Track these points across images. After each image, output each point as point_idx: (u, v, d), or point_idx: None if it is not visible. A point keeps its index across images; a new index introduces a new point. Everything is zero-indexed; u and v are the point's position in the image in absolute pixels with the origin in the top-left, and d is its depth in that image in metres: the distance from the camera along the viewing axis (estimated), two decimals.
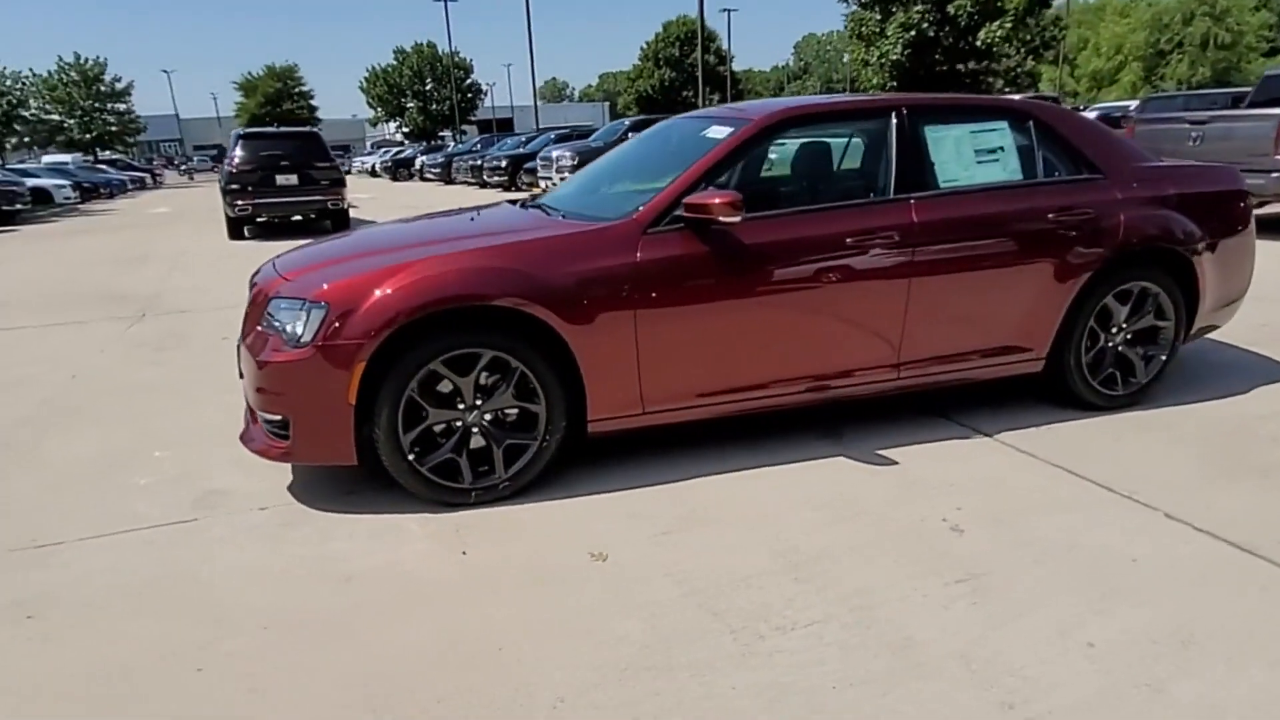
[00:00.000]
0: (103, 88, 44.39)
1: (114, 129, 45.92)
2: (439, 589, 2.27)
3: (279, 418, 2.62)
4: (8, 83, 40.24)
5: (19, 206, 17.82)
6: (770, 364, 2.99)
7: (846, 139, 3.43)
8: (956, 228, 3.08)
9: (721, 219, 2.69)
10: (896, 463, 3.02)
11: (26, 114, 41.54)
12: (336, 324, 2.50)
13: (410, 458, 2.64)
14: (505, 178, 20.24)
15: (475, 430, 2.71)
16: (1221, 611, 2.06)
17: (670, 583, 2.26)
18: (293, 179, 11.81)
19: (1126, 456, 3.02)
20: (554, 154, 18.08)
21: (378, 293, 2.52)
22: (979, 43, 15.25)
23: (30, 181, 22.03)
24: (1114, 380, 3.47)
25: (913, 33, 15.80)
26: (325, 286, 2.59)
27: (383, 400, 2.55)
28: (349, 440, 2.57)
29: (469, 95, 67.24)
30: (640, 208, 2.81)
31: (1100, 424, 3.35)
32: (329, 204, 11.96)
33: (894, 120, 3.13)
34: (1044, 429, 3.30)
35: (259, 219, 12.01)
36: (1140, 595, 2.14)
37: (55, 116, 43.14)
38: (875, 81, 17.93)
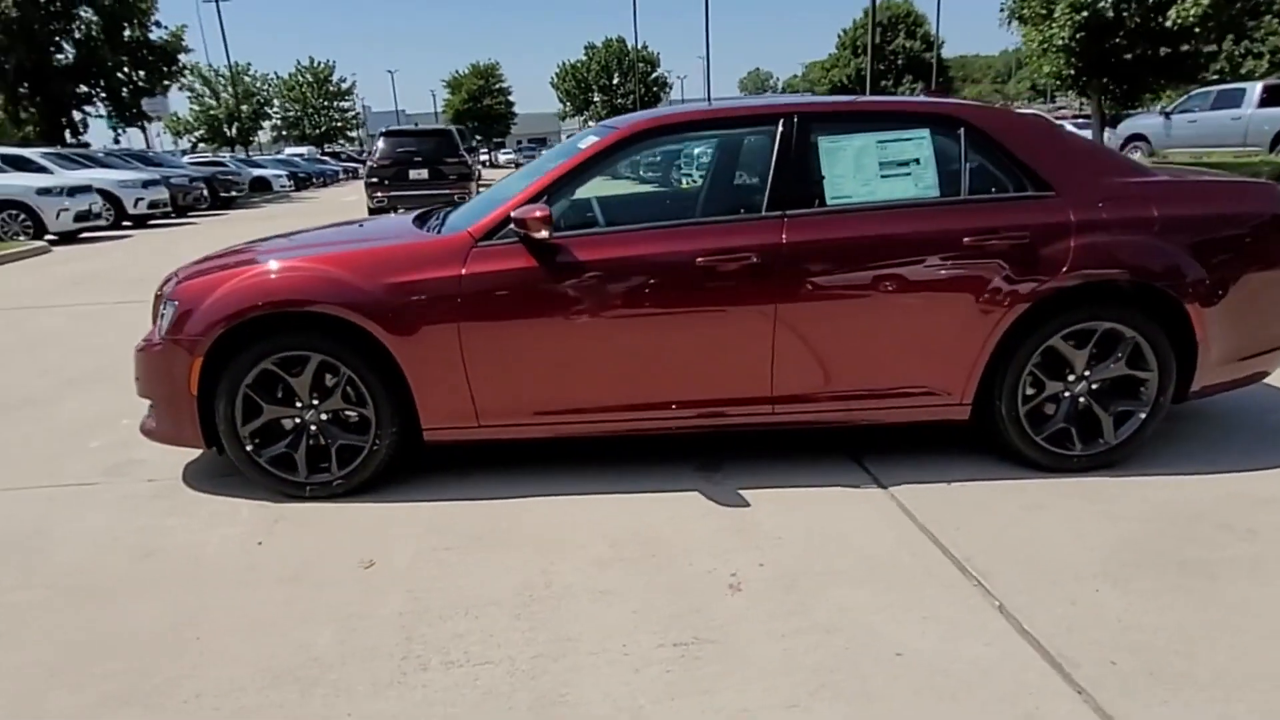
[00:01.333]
0: (330, 88, 50.70)
1: (338, 124, 52.36)
2: (208, 573, 2.47)
3: (148, 400, 2.96)
4: (258, 84, 47.32)
5: (234, 193, 20.99)
6: (622, 388, 2.88)
7: (735, 150, 3.18)
8: (839, 251, 2.78)
9: (533, 234, 2.64)
10: (746, 505, 2.80)
11: (271, 112, 48.68)
12: (179, 321, 2.79)
13: (249, 448, 2.87)
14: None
15: (313, 428, 2.90)
16: None
17: (404, 599, 2.29)
18: (424, 174, 12.89)
19: (1025, 532, 2.57)
20: (695, 150, 18.12)
21: (214, 295, 2.77)
22: (1169, 24, 12.85)
23: (256, 171, 25.84)
24: (1067, 438, 2.95)
25: (1084, 13, 13.64)
26: (177, 286, 2.89)
27: (220, 393, 2.80)
28: (195, 426, 2.85)
29: (653, 88, 68.93)
30: (479, 220, 2.83)
31: (1033, 488, 2.86)
32: (455, 196, 12.89)
33: (779, 130, 2.87)
34: (955, 486, 2.89)
35: (396, 210, 13.25)
36: (859, 694, 1.84)
37: (293, 114, 49.95)
38: (1048, 70, 15.87)
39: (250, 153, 41.13)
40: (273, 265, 2.85)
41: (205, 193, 19.24)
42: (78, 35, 21.38)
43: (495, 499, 2.89)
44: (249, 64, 46.62)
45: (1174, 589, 2.23)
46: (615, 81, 70.13)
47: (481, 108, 72.74)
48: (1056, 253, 2.77)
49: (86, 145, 22.66)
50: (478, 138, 69.82)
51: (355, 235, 3.21)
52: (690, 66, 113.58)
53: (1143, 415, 2.94)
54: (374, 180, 12.82)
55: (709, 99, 44.95)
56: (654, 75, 70.85)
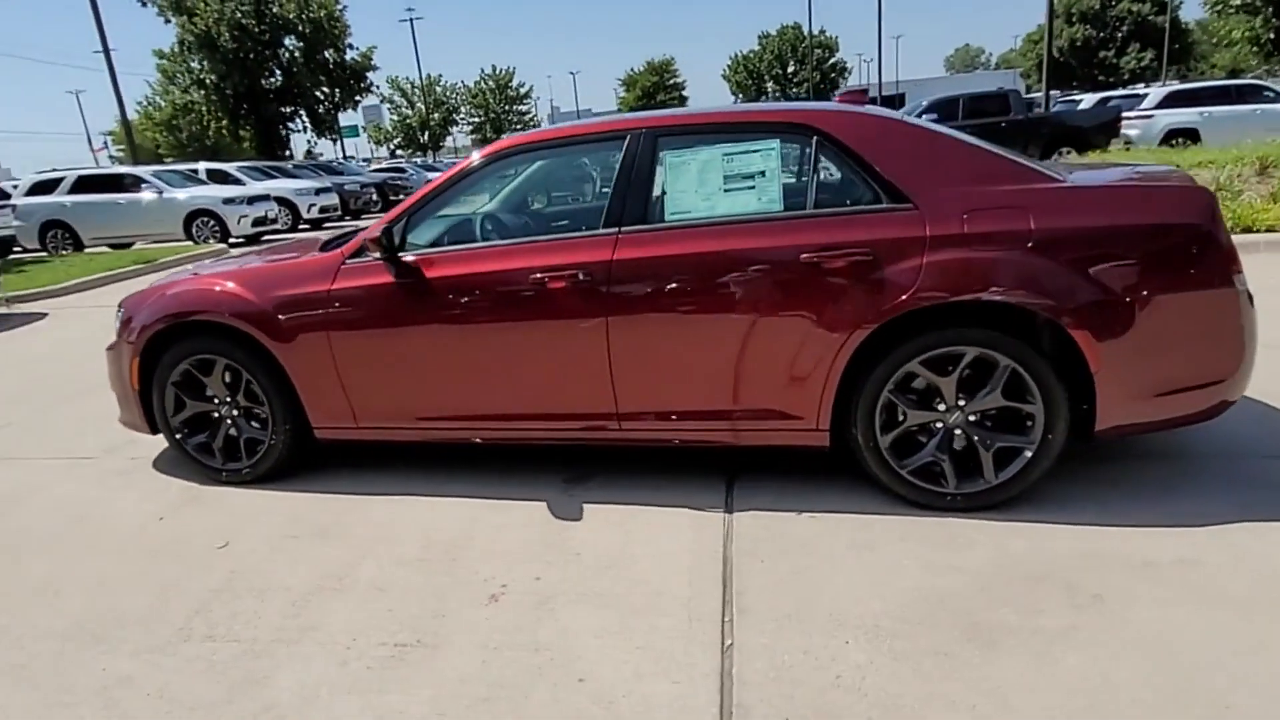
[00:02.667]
0: (510, 92, 54.28)
1: (518, 127, 55.93)
2: (106, 539, 2.99)
3: (115, 393, 3.58)
4: (448, 93, 51.78)
5: (401, 196, 23.26)
6: (478, 398, 3.06)
7: (593, 167, 3.18)
8: (670, 268, 2.75)
9: (371, 254, 2.89)
10: (577, 520, 2.88)
11: (458, 118, 53.11)
12: (123, 326, 3.35)
13: (177, 436, 3.39)
14: None
15: (228, 422, 3.35)
16: None
17: (222, 578, 2.64)
18: None
19: (827, 573, 2.43)
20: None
21: (144, 306, 3.30)
22: None
23: (430, 175, 28.39)
24: (937, 474, 2.71)
25: None
26: (126, 299, 3.46)
27: (154, 388, 3.34)
28: (140, 415, 3.42)
29: (830, 75, 66.78)
30: (352, 240, 3.13)
31: (883, 526, 2.67)
32: None
33: (624, 146, 2.88)
34: (804, 517, 2.77)
35: None
36: (509, 712, 1.90)
37: (476, 119, 54.12)
38: (1239, 35, 13.35)
39: (438, 158, 45.23)
40: (185, 283, 3.35)
41: (375, 196, 21.54)
42: (283, 61, 24.87)
43: (364, 494, 3.19)
44: (440, 75, 51.21)
45: (937, 653, 2.04)
46: (790, 70, 68.82)
47: (655, 104, 74.40)
48: (905, 271, 2.56)
49: (289, 157, 26.24)
50: None
51: (271, 255, 3.62)
52: (884, 46, 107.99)
53: (1029, 454, 2.64)
54: None
55: (879, 78, 42.82)
56: (832, 61, 68.71)
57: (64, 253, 14.22)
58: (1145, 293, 2.48)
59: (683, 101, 78.58)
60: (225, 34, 21.85)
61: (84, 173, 15.15)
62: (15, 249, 14.89)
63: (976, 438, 2.67)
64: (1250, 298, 2.59)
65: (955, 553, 2.50)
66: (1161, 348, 2.52)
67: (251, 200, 15.04)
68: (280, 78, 24.77)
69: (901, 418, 2.71)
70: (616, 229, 2.83)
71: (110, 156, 48.10)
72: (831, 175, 2.74)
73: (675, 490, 3.02)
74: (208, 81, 23.24)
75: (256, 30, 22.63)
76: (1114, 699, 1.84)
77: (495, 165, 3.08)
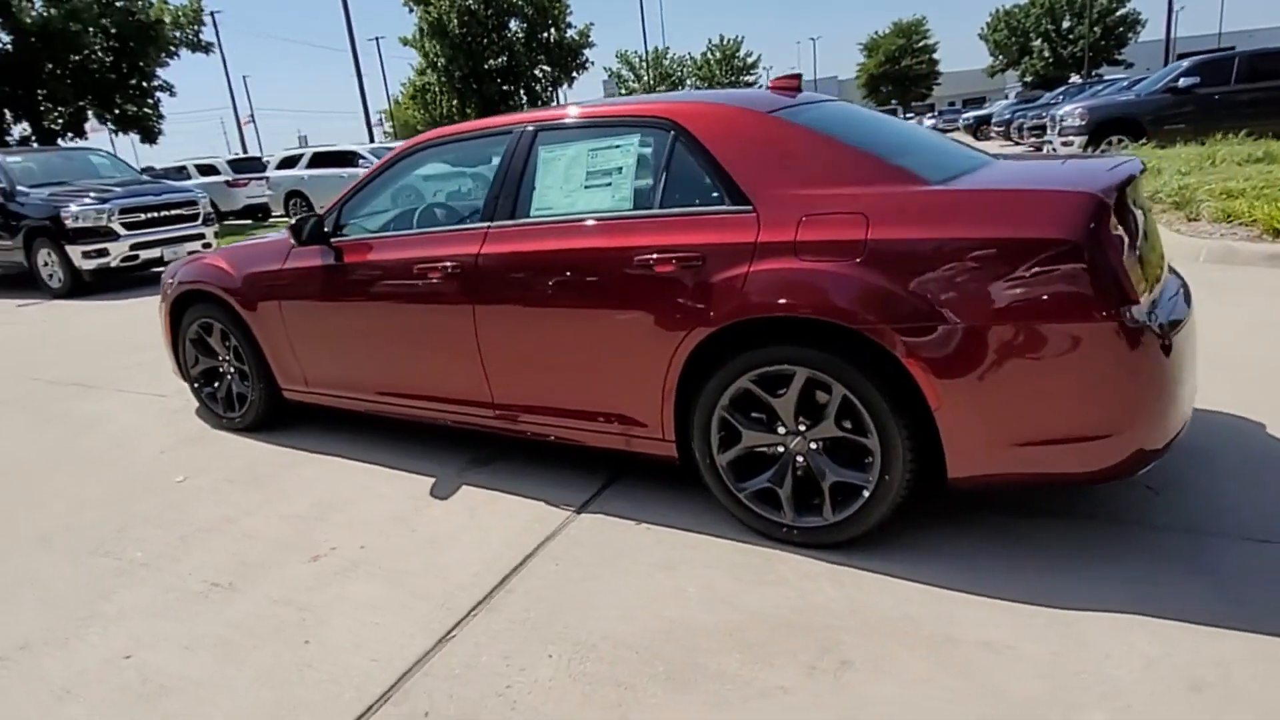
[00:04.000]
0: (737, 62, 54.00)
1: None
2: (121, 464, 3.71)
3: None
4: (674, 66, 52.80)
5: None
6: (388, 376, 3.35)
7: (489, 162, 3.20)
8: (524, 264, 2.81)
9: (296, 239, 3.27)
10: (441, 499, 3.08)
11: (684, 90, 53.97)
12: (164, 289, 4.08)
13: (195, 385, 4.11)
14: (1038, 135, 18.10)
15: (228, 378, 3.97)
16: None
17: (153, 507, 3.21)
18: None
19: (593, 590, 2.41)
20: (1061, 112, 15.51)
21: (179, 271, 3.99)
22: None
23: None
24: (774, 501, 2.53)
25: None
26: (166, 269, 4.19)
27: (179, 343, 4.05)
28: (175, 366, 4.17)
29: (1115, 30, 57.97)
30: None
31: (717, 551, 2.57)
32: None
33: (506, 142, 2.96)
34: (643, 527, 2.74)
35: None
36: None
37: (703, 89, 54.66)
38: None
39: None
40: (202, 256, 3.99)
41: None
42: (507, 42, 27.01)
43: (312, 452, 3.64)
44: (667, 48, 52.27)
45: (620, 684, 1.98)
46: (1065, 25, 60.78)
47: (899, 69, 69.78)
48: (733, 279, 2.40)
49: None
50: (893, 103, 67.41)
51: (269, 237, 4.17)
52: None
53: (867, 493, 2.37)
54: None
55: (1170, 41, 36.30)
56: (1121, 11, 59.46)
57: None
58: (997, 322, 2.11)
59: (931, 66, 72.88)
60: (455, 20, 24.32)
61: (319, 149, 17.79)
62: (271, 214, 18.00)
63: (815, 468, 2.45)
64: (1164, 332, 2.10)
65: (749, 589, 2.35)
66: (1020, 389, 2.14)
67: None
68: (503, 59, 27.01)
69: (730, 439, 2.56)
70: (488, 224, 2.94)
71: (385, 133, 55.84)
72: (686, 173, 2.61)
73: (551, 484, 3.10)
74: (439, 64, 26.12)
75: (484, 15, 24.90)
76: None
77: (410, 159, 3.31)
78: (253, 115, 40.92)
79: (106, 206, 8.47)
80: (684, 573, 2.46)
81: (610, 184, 2.74)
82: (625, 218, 2.67)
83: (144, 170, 14.76)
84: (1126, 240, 2.14)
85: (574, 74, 29.76)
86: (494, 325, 2.92)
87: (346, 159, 17.02)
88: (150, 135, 18.85)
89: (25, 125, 16.84)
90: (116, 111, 17.73)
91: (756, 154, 2.49)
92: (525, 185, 2.91)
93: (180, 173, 18.12)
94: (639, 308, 2.59)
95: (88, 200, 8.55)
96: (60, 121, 17.15)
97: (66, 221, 8.33)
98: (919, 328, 2.17)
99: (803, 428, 2.45)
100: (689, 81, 54.42)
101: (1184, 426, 2.29)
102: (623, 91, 52.83)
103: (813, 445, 2.45)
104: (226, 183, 18.29)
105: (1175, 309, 2.32)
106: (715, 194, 2.53)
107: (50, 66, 15.69)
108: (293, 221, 3.39)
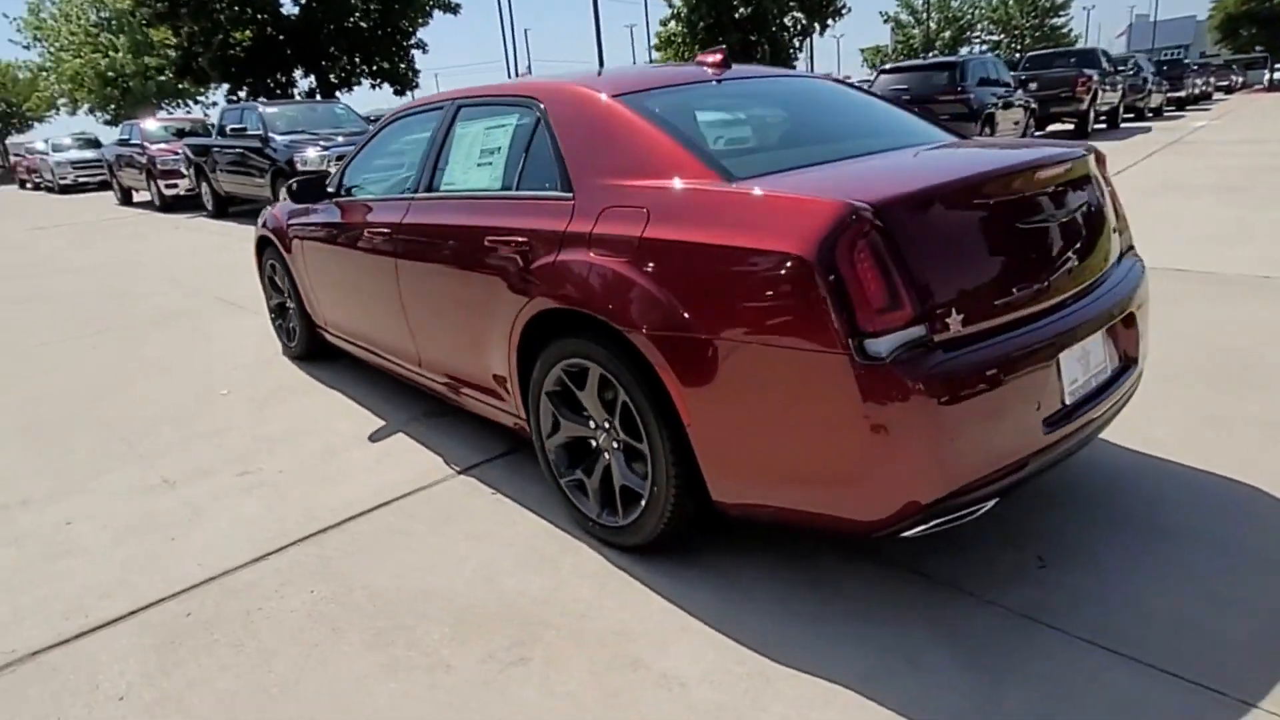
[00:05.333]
0: (1043, 2, 47.66)
1: (1044, 46, 49.17)
2: (196, 371, 4.60)
3: None
4: (964, 7, 48.05)
5: None
6: (361, 328, 3.79)
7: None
8: (425, 234, 3.03)
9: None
10: (370, 443, 3.46)
11: (972, 37, 49.06)
12: (261, 222, 4.89)
13: (271, 316, 4.88)
14: None
15: (286, 310, 4.69)
16: None
17: (200, 413, 3.97)
18: None
19: (399, 544, 2.63)
20: None
21: (262, 216, 4.76)
22: None
23: None
24: (585, 492, 2.56)
25: None
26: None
27: (262, 280, 4.85)
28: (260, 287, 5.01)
29: None
30: None
31: (523, 529, 2.68)
32: None
33: (440, 116, 3.15)
34: (495, 498, 2.91)
35: None
36: None
37: (995, 37, 49.16)
38: None
39: None
40: (273, 206, 4.69)
41: None
42: None
43: (321, 383, 4.25)
44: None
45: (214, 641, 2.22)
46: None
47: (1269, 7, 56.87)
48: (544, 267, 2.43)
49: None
50: (1257, 49, 55.38)
51: None
52: None
53: (643, 503, 2.32)
54: None
55: None
56: None
57: None
58: (739, 338, 1.94)
59: None
60: None
61: None
62: None
63: (615, 467, 2.43)
64: (928, 371, 1.79)
65: (520, 572, 2.44)
66: (768, 415, 1.96)
67: None
68: (750, 7, 26.51)
69: (558, 425, 2.60)
70: (412, 195, 3.19)
71: None
72: (542, 155, 2.63)
73: (464, 444, 3.35)
74: (681, 14, 26.37)
75: None
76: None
77: (387, 129, 3.64)
78: (530, 67, 44.32)
79: (326, 153, 10.03)
80: (484, 545, 2.60)
81: (491, 163, 2.85)
82: (491, 197, 2.78)
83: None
84: (919, 258, 1.83)
85: (828, 21, 28.39)
86: (410, 290, 3.19)
87: None
88: (405, 87, 21.51)
89: (312, 79, 20.25)
90: (375, 67, 20.56)
91: (586, 140, 2.46)
92: (441, 159, 3.12)
93: None
94: (489, 287, 2.70)
95: (314, 148, 10.20)
96: (339, 76, 20.38)
97: (298, 164, 10.02)
98: (672, 337, 2.06)
99: (607, 425, 2.43)
100: (980, 25, 49.27)
101: (1010, 470, 1.93)
102: (900, 41, 49.27)
103: (614, 444, 2.42)
104: None
105: (1004, 348, 1.92)
106: (553, 179, 2.54)
107: (329, 28, 18.62)
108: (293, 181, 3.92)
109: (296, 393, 4.20)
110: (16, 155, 24.96)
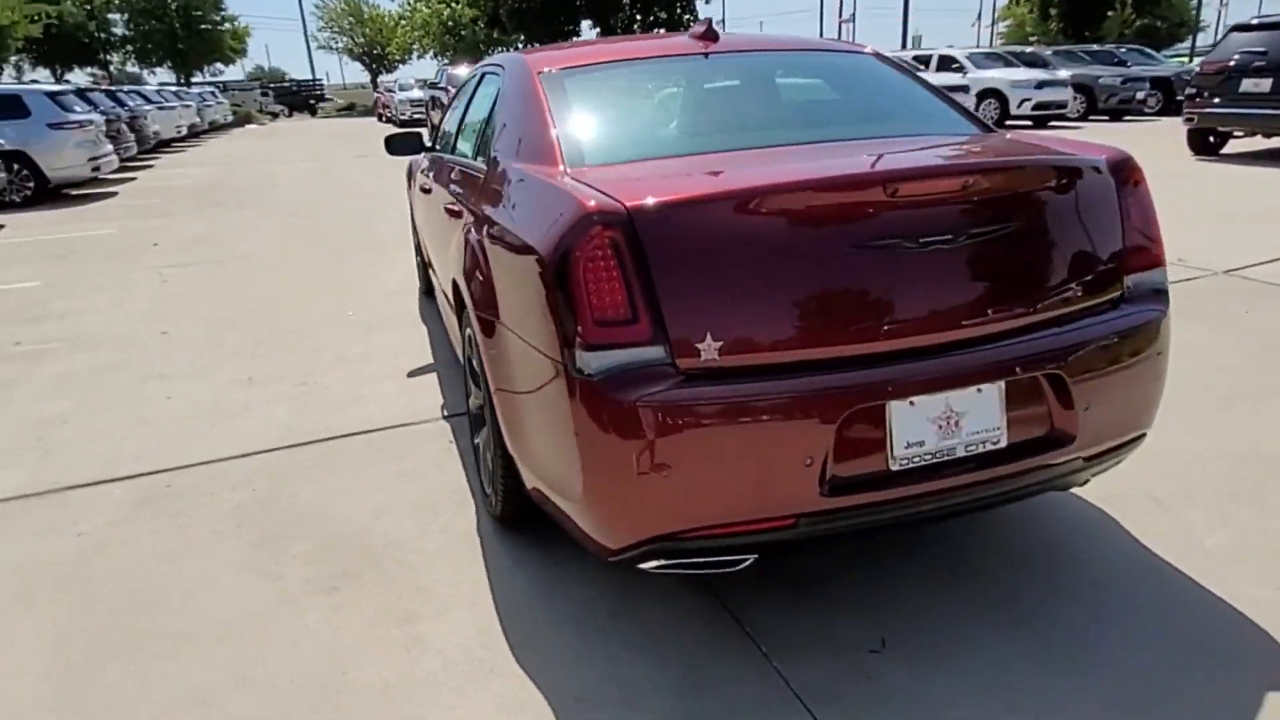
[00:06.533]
0: None
1: None
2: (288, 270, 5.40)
3: None
4: None
5: (1117, 102, 19.17)
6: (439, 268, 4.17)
7: None
8: (439, 195, 3.25)
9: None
10: (414, 370, 3.84)
11: None
12: (410, 173, 5.53)
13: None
14: None
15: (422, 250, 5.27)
16: None
17: (316, 325, 4.72)
18: (1265, 84, 9.93)
19: (340, 469, 2.97)
20: None
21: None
22: None
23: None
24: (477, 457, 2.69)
25: None
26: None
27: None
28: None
29: None
30: None
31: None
32: None
33: (474, 82, 3.32)
34: (451, 447, 3.13)
35: (1225, 132, 10.71)
36: None
37: None
38: None
39: None
40: None
41: (1145, 96, 18.47)
42: None
43: (427, 325, 4.75)
44: None
45: (187, 526, 2.64)
46: None
47: None
48: (458, 238, 2.56)
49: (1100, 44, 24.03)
50: None
51: None
52: None
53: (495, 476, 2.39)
54: (1191, 91, 10.69)
55: None
56: None
57: None
58: (510, 329, 1.95)
59: None
60: None
61: (919, 53, 18.18)
62: None
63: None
64: (643, 400, 1.63)
65: (395, 517, 2.64)
66: (530, 413, 1.93)
67: (1040, 84, 15.95)
68: None
69: (468, 390, 2.74)
70: (445, 154, 3.44)
71: (999, 35, 52.19)
72: (496, 125, 2.69)
73: None
74: None
75: None
76: None
77: (468, 85, 3.88)
78: (854, 13, 42.05)
79: None
80: (400, 485, 2.84)
81: (476, 131, 2.98)
82: (467, 163, 2.91)
83: None
84: (675, 273, 1.65)
85: None
86: (433, 245, 3.48)
87: (947, 64, 17.11)
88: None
89: (597, 30, 21.41)
90: (652, 18, 21.07)
91: (504, 116, 2.50)
92: (462, 124, 3.32)
93: None
94: (455, 250, 2.85)
95: None
96: (620, 26, 21.30)
97: None
98: (483, 318, 2.11)
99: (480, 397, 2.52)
100: None
101: (771, 527, 1.72)
102: None
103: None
104: None
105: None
106: (485, 152, 2.61)
107: None
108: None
109: (398, 324, 4.77)
110: (378, 93, 30.24)
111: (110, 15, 34.24)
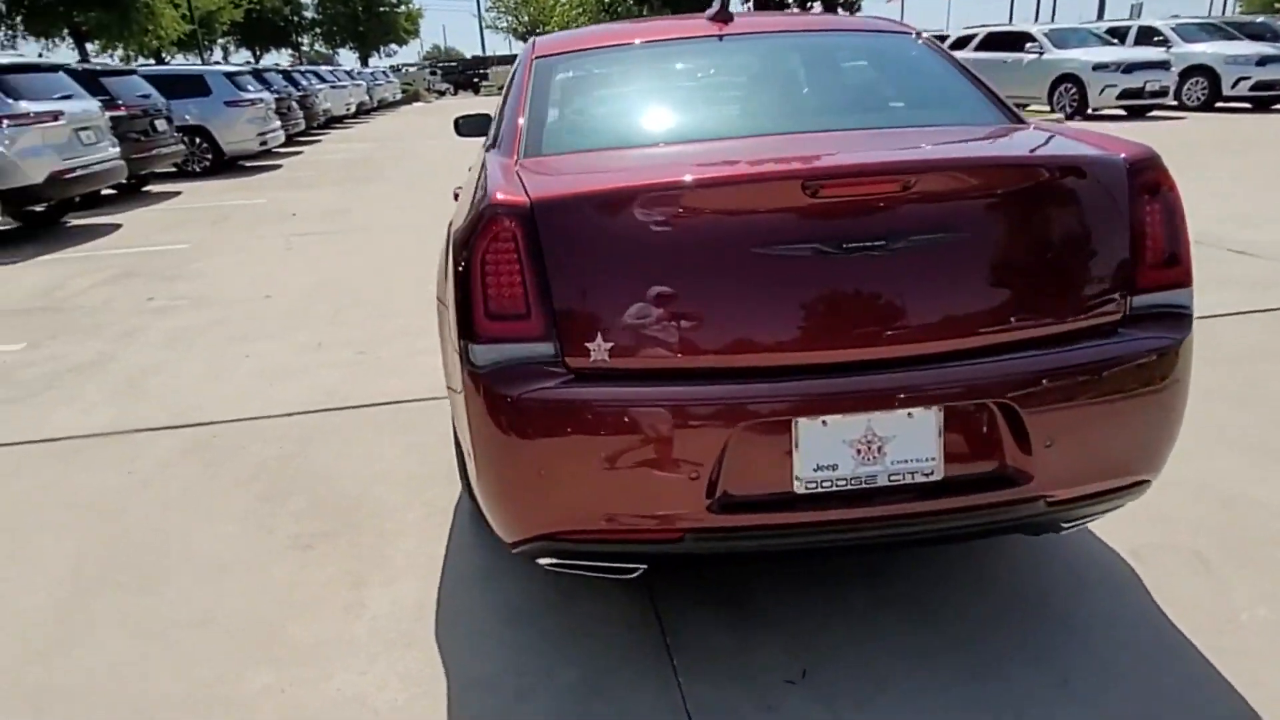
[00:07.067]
0: None
1: None
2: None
3: None
4: None
5: None
6: None
7: None
8: None
9: None
10: None
11: None
12: None
13: None
14: None
15: None
16: None
17: (387, 283, 5.01)
18: None
19: (359, 438, 3.14)
20: None
21: None
22: None
23: None
24: None
25: None
26: None
27: None
28: None
29: None
30: None
31: None
32: None
33: None
34: None
35: None
36: None
37: None
38: None
39: None
40: None
41: None
42: None
43: None
44: None
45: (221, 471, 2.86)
46: None
47: None
48: None
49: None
50: None
51: None
52: None
53: None
54: None
55: None
56: None
57: None
58: (446, 314, 1.97)
59: None
60: None
61: (995, 29, 16.53)
62: None
63: None
64: (535, 401, 1.62)
65: (389, 485, 2.77)
66: (451, 395, 1.97)
67: (1264, 60, 13.71)
68: None
69: None
70: None
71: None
72: None
73: None
74: None
75: None
76: None
77: None
78: None
79: None
80: (407, 457, 2.99)
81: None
82: None
83: None
84: (571, 270, 1.63)
85: None
86: None
87: (1016, 41, 15.47)
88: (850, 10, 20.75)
89: None
90: None
91: (502, 103, 2.50)
92: None
93: None
94: None
95: None
96: None
97: None
98: (443, 298, 2.15)
99: None
100: None
101: (658, 539, 1.68)
102: None
103: None
104: None
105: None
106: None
107: None
108: None
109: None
110: None
111: (303, 0, 37.82)
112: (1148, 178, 1.74)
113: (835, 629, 1.99)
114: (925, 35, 2.53)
